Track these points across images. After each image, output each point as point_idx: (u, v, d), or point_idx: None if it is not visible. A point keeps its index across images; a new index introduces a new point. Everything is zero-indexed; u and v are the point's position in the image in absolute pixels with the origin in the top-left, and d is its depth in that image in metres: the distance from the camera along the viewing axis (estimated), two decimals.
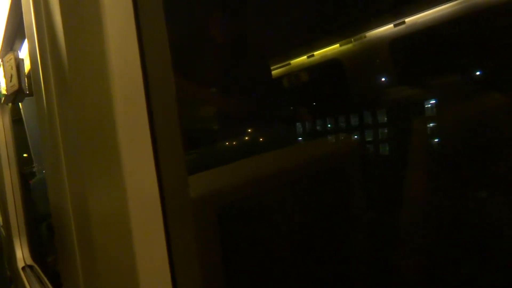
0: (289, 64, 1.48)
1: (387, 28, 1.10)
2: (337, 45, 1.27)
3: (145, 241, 0.38)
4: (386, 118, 1.00)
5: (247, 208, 0.68)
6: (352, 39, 1.22)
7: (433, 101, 0.85)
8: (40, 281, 1.28)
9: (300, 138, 1.19)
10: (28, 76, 0.99)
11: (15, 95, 1.10)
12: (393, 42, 1.08)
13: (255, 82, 1.16)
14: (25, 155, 1.67)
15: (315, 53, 1.38)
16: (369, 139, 1.04)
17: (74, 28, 0.46)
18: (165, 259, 0.39)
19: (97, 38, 0.39)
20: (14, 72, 1.07)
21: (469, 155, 0.79)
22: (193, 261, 0.43)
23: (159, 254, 0.39)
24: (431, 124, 0.82)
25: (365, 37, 1.18)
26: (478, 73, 0.86)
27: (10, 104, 1.55)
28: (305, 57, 1.42)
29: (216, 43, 1.17)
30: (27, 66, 1.03)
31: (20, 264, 1.54)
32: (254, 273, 0.68)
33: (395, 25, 1.07)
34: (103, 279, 0.44)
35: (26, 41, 0.84)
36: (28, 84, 1.07)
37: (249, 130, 1.15)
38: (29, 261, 1.54)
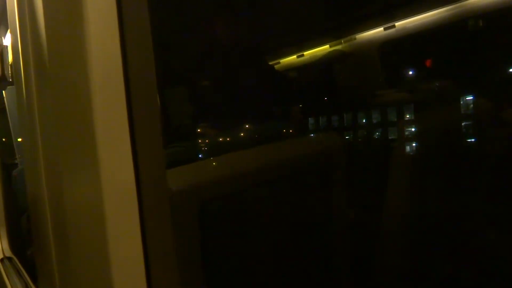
0: (279, 63, 1.49)
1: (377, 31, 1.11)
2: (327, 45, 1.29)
3: (120, 234, 0.38)
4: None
5: (230, 203, 0.68)
6: (342, 41, 1.24)
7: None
8: (19, 273, 1.26)
9: (289, 135, 1.20)
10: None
11: None
12: (383, 44, 1.10)
13: (242, 79, 1.17)
14: (19, 139, 1.62)
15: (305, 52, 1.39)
16: (355, 137, 1.06)
17: (55, 19, 0.46)
18: (139, 251, 0.39)
19: (78, 30, 0.39)
20: None
21: (452, 158, 0.80)
22: (169, 254, 0.43)
23: (133, 247, 0.39)
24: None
25: (355, 39, 1.20)
26: (465, 77, 0.88)
27: None
28: (294, 56, 1.44)
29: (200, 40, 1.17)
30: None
31: None
32: (233, 268, 0.68)
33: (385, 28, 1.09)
34: (77, 271, 0.44)
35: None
36: (11, 72, 1.05)
37: (236, 126, 1.15)
38: (8, 253, 1.52)
